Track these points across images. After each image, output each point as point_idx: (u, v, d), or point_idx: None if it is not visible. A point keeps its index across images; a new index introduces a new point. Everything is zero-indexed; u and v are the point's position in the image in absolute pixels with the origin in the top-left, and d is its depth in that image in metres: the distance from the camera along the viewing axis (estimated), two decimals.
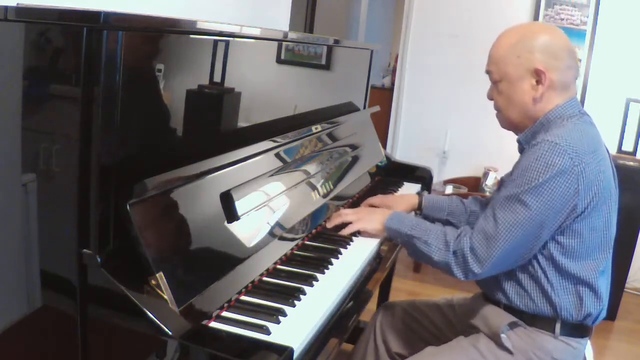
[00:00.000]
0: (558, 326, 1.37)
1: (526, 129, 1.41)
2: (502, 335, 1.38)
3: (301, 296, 1.20)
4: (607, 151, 1.40)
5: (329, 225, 1.59)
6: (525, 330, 1.39)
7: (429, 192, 2.29)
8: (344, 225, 1.58)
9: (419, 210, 1.80)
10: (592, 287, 1.36)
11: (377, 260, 1.51)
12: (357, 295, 1.34)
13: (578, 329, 1.39)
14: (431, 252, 1.37)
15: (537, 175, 1.26)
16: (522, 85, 1.35)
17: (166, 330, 0.92)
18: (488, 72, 1.42)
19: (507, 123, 1.45)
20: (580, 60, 3.31)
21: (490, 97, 1.44)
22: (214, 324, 1.04)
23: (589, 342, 1.45)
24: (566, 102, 1.36)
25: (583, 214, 1.29)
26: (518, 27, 1.40)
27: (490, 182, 3.41)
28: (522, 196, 1.27)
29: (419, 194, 1.84)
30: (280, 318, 1.09)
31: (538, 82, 1.33)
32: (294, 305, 1.15)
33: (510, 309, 1.41)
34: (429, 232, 1.40)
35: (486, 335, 1.43)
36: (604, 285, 1.38)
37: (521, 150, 1.46)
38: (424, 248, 1.39)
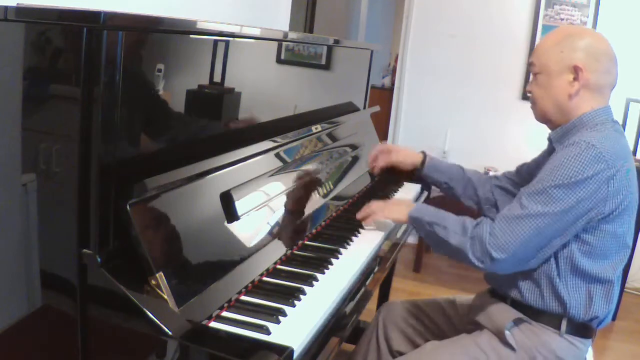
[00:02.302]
0: (564, 324, 1.38)
1: (559, 125, 1.44)
2: (506, 332, 1.39)
3: (301, 296, 1.20)
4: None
5: (359, 215, 1.62)
6: (530, 326, 1.40)
7: (429, 193, 2.29)
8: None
9: (421, 167, 1.85)
10: (604, 288, 1.37)
11: (377, 260, 1.51)
12: (357, 295, 1.33)
13: (583, 329, 1.40)
14: (448, 236, 1.38)
15: (572, 173, 1.27)
16: (560, 81, 1.38)
17: (166, 330, 0.92)
18: (530, 63, 1.46)
19: (541, 115, 1.47)
20: None
21: (529, 90, 1.48)
22: (214, 324, 1.04)
23: (590, 346, 1.46)
24: (601, 107, 1.39)
25: (609, 217, 1.31)
26: (568, 27, 1.53)
27: None
28: (553, 190, 1.28)
29: (423, 152, 1.88)
30: (280, 318, 1.09)
31: (575, 78, 1.37)
32: (294, 305, 1.15)
33: (517, 304, 1.42)
34: (448, 218, 1.42)
35: (489, 332, 1.44)
36: (615, 290, 1.39)
37: (550, 148, 1.48)
38: (442, 233, 1.40)
